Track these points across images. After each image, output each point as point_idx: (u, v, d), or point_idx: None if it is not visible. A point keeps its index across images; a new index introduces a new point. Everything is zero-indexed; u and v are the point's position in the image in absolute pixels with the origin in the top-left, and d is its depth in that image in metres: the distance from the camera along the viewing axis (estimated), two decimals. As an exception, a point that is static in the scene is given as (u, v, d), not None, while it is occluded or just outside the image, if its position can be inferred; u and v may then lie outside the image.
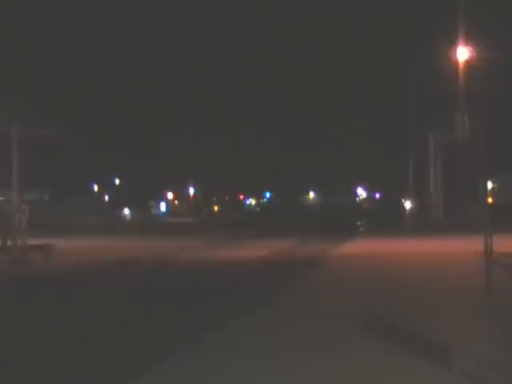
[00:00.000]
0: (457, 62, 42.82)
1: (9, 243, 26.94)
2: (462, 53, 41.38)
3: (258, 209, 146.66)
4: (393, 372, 8.60)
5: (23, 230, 27.25)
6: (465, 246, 27.39)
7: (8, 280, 21.22)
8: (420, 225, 49.81)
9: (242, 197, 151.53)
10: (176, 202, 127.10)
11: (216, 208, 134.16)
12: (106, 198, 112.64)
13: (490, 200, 21.12)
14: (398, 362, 9.03)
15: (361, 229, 53.76)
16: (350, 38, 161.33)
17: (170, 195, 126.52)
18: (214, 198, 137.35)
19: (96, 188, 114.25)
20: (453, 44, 43.02)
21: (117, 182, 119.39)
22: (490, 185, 41.52)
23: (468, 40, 40.07)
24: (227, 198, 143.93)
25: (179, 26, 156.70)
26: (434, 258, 24.54)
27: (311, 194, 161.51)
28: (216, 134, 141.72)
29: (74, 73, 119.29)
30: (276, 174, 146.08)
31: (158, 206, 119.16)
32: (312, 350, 9.89)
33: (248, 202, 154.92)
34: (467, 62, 39.09)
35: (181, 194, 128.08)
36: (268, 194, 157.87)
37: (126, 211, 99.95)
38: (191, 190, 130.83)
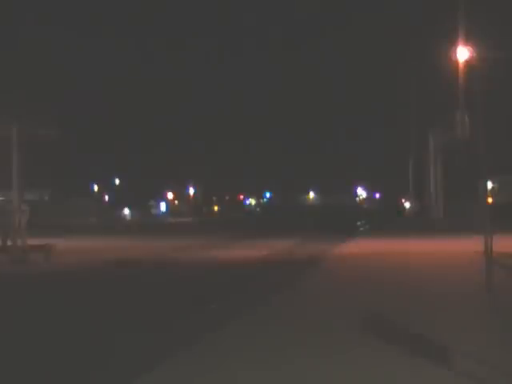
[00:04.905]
0: (457, 62, 42.80)
1: (9, 243, 26.93)
2: (462, 53, 41.38)
3: (258, 209, 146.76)
4: (393, 372, 8.59)
5: (23, 230, 27.22)
6: (465, 246, 27.38)
7: (8, 280, 21.22)
8: (420, 225, 49.80)
9: (241, 197, 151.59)
10: (176, 202, 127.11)
11: (216, 208, 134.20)
12: (106, 198, 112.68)
13: (490, 200, 21.07)
14: (398, 362, 9.02)
15: (361, 229, 53.73)
16: (351, 38, 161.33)
17: (170, 195, 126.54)
18: (214, 198, 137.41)
19: (96, 188, 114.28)
20: (453, 44, 43.01)
21: (117, 182, 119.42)
22: (490, 185, 41.48)
23: (468, 40, 40.07)
24: (227, 198, 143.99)
25: (176, 26, 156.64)
26: (434, 258, 24.53)
27: (311, 194, 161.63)
28: (216, 135, 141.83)
29: (75, 72, 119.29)
30: (276, 174, 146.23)
31: (158, 206, 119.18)
32: (312, 350, 9.88)
33: (248, 202, 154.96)
34: (467, 62, 39.09)
35: (181, 194, 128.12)
36: (268, 194, 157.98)
37: (126, 211, 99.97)
38: (191, 190, 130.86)
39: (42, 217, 63.23)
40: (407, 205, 65.28)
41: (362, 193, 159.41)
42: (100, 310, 14.20)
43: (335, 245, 32.42)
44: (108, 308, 14.58)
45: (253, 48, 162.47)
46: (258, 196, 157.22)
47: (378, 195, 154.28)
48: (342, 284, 17.89)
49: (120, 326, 12.37)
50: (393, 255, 25.88)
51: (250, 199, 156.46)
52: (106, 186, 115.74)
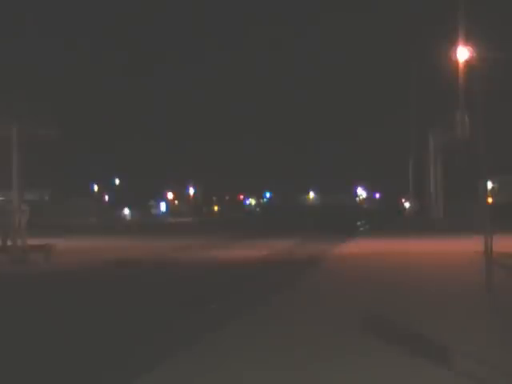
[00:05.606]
0: (457, 62, 42.81)
1: (9, 243, 26.93)
2: (462, 53, 41.40)
3: (257, 209, 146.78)
4: (393, 372, 8.59)
5: (23, 230, 27.22)
6: (465, 246, 27.38)
7: (8, 280, 21.21)
8: (420, 225, 49.80)
9: (242, 197, 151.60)
10: (176, 202, 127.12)
11: (216, 208, 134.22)
12: (106, 198, 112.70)
13: (490, 200, 21.07)
14: (398, 362, 9.02)
15: (361, 229, 53.73)
16: (351, 38, 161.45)
17: (170, 195, 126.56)
18: (214, 198, 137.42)
19: (96, 188, 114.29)
20: (453, 44, 43.03)
21: (117, 182, 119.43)
22: (490, 185, 41.46)
23: (468, 40, 40.08)
24: (227, 198, 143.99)
25: (175, 27, 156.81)
26: (434, 258, 24.53)
27: (311, 194, 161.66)
28: (216, 134, 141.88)
29: (75, 72, 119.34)
30: (276, 174, 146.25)
31: (158, 206, 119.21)
32: (312, 350, 9.88)
33: (248, 202, 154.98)
34: (467, 62, 39.10)
35: (181, 194, 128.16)
36: (268, 194, 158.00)
37: (126, 211, 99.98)
38: (191, 190, 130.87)
39: (42, 217, 63.26)
40: (407, 205, 65.22)
41: (362, 193, 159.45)
42: (100, 310, 14.20)
43: (335, 245, 32.42)
44: (108, 308, 14.57)
45: (253, 48, 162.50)
46: (258, 196, 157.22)
47: (378, 195, 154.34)
48: (342, 284, 17.89)
49: (120, 325, 12.37)
50: (393, 255, 25.88)
51: (250, 199, 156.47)
52: (106, 186, 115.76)
